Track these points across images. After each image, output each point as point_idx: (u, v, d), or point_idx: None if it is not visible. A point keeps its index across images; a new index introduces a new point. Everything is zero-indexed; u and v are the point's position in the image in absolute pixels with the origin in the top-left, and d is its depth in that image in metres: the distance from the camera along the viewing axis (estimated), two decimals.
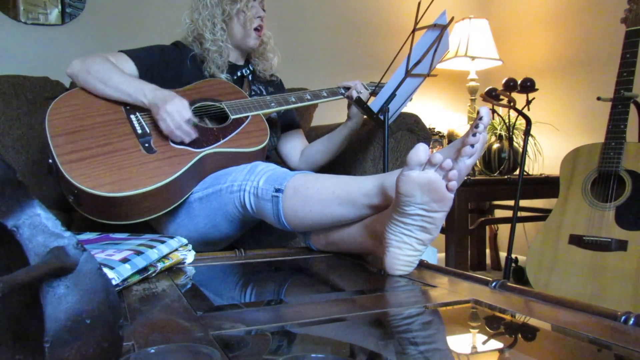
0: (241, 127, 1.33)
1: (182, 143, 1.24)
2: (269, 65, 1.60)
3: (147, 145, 1.21)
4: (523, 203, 2.18)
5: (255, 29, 1.50)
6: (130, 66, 1.36)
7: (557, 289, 1.63)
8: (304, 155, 1.60)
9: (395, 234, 0.88)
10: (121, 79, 1.28)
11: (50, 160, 1.16)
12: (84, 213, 1.17)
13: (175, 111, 1.21)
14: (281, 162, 1.64)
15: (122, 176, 1.12)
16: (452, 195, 0.84)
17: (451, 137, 2.47)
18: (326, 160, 1.57)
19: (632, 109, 1.66)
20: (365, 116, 1.52)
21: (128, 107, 1.29)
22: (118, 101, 1.30)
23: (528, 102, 1.94)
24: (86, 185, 1.09)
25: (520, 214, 2.08)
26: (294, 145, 1.62)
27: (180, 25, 1.54)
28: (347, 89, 1.53)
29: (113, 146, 1.19)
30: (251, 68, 1.59)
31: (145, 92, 1.26)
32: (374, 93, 1.54)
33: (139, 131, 1.24)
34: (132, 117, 1.27)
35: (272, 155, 1.62)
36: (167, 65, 1.41)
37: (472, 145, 0.88)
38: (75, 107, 1.26)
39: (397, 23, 2.62)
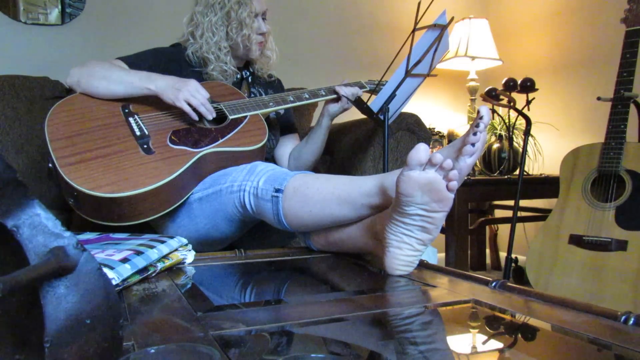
0: (239, 127, 1.33)
1: (181, 143, 1.24)
2: (267, 62, 1.59)
3: (145, 146, 1.21)
4: (523, 203, 2.18)
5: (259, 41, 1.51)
6: None
7: (557, 289, 1.63)
8: (292, 157, 1.59)
9: (395, 234, 0.88)
10: (123, 73, 1.30)
11: (50, 165, 1.17)
12: (84, 215, 1.17)
13: (195, 89, 1.27)
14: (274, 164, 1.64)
15: (122, 177, 1.12)
16: (452, 195, 0.84)
17: (451, 137, 2.47)
18: (314, 159, 1.57)
19: (632, 109, 1.66)
20: (365, 116, 1.52)
21: (126, 110, 1.30)
22: (118, 101, 1.30)
23: (528, 102, 1.94)
24: (85, 187, 1.09)
25: (520, 214, 2.09)
26: (287, 149, 1.61)
27: (179, 25, 1.53)
28: (333, 95, 1.52)
29: (112, 148, 1.19)
30: (251, 70, 1.59)
31: (152, 79, 1.27)
32: (374, 92, 1.54)
33: (137, 133, 1.24)
34: (131, 119, 1.28)
35: (271, 158, 1.61)
36: (165, 69, 1.41)
37: (473, 144, 0.88)
38: (73, 111, 1.26)
39: (397, 23, 2.62)
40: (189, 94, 1.26)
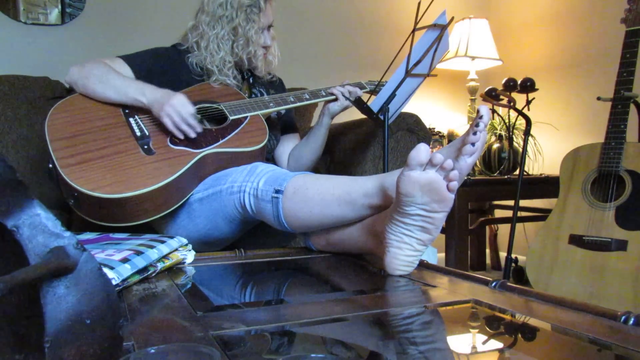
0: (240, 128, 1.33)
1: (181, 144, 1.24)
2: (268, 66, 1.58)
3: (146, 147, 1.21)
4: (523, 203, 2.18)
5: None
6: (127, 71, 1.36)
7: (557, 289, 1.63)
8: (292, 157, 1.59)
9: (396, 234, 0.88)
10: (119, 81, 1.29)
11: (50, 165, 1.16)
12: (84, 216, 1.17)
13: (180, 105, 1.23)
14: (274, 164, 1.63)
15: (122, 178, 1.12)
16: (452, 196, 0.84)
17: (451, 137, 2.47)
18: (314, 158, 1.56)
19: (632, 109, 1.66)
20: (365, 116, 1.52)
21: (127, 111, 1.30)
22: (117, 103, 1.30)
23: (528, 102, 1.94)
24: (86, 187, 1.09)
25: (520, 214, 2.08)
26: (287, 149, 1.61)
27: (179, 25, 1.53)
28: (333, 96, 1.52)
29: (112, 149, 1.19)
30: (252, 70, 1.58)
31: (144, 92, 1.26)
32: (374, 92, 1.54)
33: (138, 134, 1.24)
34: (131, 120, 1.28)
35: (271, 157, 1.61)
36: (164, 70, 1.41)
37: (473, 144, 0.88)
38: (74, 112, 1.26)
39: (397, 23, 2.62)
40: (172, 110, 1.21)
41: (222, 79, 1.44)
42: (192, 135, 1.24)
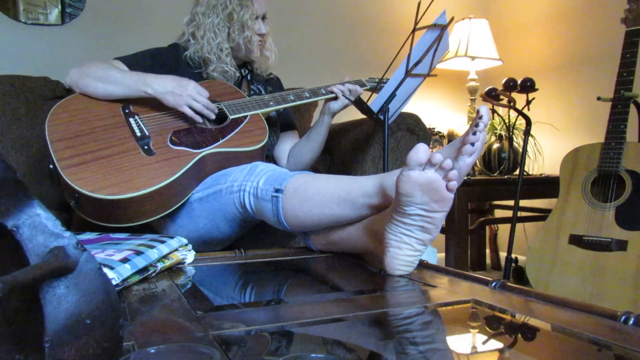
0: (240, 127, 1.33)
1: (181, 144, 1.24)
2: (265, 62, 1.59)
3: (146, 147, 1.21)
4: (523, 203, 2.18)
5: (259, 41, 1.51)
6: None
7: (557, 289, 1.63)
8: (291, 155, 1.59)
9: (395, 234, 0.88)
10: (120, 75, 1.30)
11: (51, 166, 1.17)
12: (86, 217, 1.17)
13: (196, 92, 1.28)
14: (274, 162, 1.64)
15: (122, 179, 1.12)
16: (452, 195, 0.84)
17: (451, 137, 2.47)
18: (313, 157, 1.56)
19: (632, 109, 1.66)
20: (364, 115, 1.51)
21: (127, 111, 1.30)
22: (119, 99, 1.30)
23: (528, 102, 1.94)
24: (86, 188, 1.09)
25: (520, 214, 2.08)
26: (286, 147, 1.61)
27: (179, 25, 1.53)
28: (334, 94, 1.52)
29: (112, 149, 1.19)
30: (249, 68, 1.59)
31: (148, 82, 1.27)
32: (375, 90, 1.54)
33: (138, 134, 1.24)
34: (131, 120, 1.28)
35: (272, 154, 1.62)
36: (163, 69, 1.41)
37: (473, 144, 0.88)
38: (74, 112, 1.26)
39: (397, 23, 2.62)
40: (191, 99, 1.27)
41: (220, 67, 1.45)
42: (213, 117, 1.29)
